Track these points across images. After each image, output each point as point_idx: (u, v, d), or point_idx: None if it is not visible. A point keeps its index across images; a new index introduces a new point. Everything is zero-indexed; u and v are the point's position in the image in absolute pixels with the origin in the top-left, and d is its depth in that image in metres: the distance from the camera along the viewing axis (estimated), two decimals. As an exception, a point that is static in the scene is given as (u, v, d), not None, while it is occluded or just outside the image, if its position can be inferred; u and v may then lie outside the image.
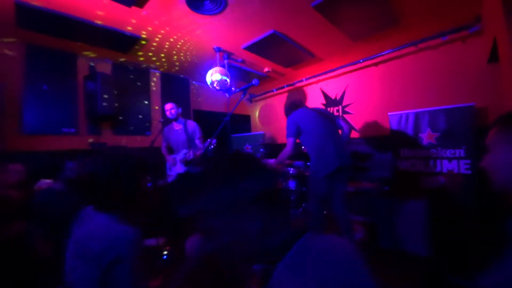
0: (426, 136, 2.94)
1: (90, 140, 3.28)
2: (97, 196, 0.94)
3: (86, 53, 3.25)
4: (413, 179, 2.93)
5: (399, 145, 3.09)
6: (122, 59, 3.53)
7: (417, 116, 3.01)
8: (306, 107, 2.68)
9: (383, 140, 3.47)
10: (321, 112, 2.58)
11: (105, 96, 3.14)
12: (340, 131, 2.57)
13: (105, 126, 3.53)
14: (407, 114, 3.09)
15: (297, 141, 2.52)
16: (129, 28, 2.69)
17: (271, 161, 2.70)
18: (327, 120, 2.49)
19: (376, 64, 3.72)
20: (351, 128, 2.54)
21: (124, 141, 3.67)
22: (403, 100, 3.45)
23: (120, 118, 3.62)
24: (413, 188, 2.88)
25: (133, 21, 2.56)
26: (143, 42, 3.00)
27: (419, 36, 3.06)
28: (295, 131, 2.45)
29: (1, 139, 2.58)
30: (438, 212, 2.52)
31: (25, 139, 2.85)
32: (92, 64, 3.39)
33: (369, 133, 3.75)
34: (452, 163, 2.74)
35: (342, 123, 2.55)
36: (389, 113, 3.23)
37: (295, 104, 2.71)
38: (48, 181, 2.15)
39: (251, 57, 3.58)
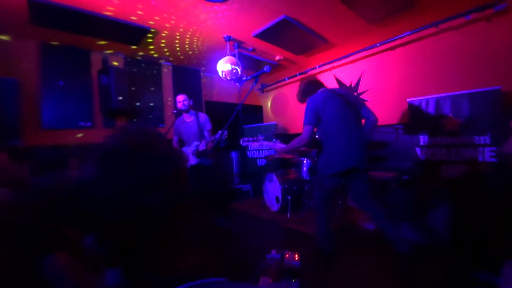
0: (448, 123, 2.78)
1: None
2: None
3: (99, 46, 3.27)
4: (434, 168, 2.80)
5: (419, 132, 2.95)
6: (133, 53, 3.54)
7: (438, 101, 2.86)
8: (327, 89, 2.27)
9: (402, 128, 3.33)
10: (344, 97, 2.15)
11: (118, 89, 3.17)
12: (363, 121, 2.22)
13: (120, 119, 3.59)
14: (427, 100, 2.93)
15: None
16: (135, 18, 2.67)
17: (280, 145, 2.43)
18: (349, 110, 2.12)
19: (393, 48, 3.53)
20: (376, 120, 2.15)
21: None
22: (423, 85, 3.27)
23: (134, 111, 3.66)
24: (434, 178, 2.76)
25: (142, 12, 2.53)
26: (152, 34, 2.98)
27: (440, 16, 2.86)
28: (314, 118, 2.11)
29: (22, 135, 2.68)
30: (461, 203, 2.40)
31: (44, 134, 2.95)
32: (105, 58, 3.43)
33: (386, 120, 3.60)
34: (476, 151, 2.59)
35: (368, 113, 2.16)
36: (408, 99, 3.08)
37: (313, 85, 2.32)
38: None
39: (262, 45, 3.49)
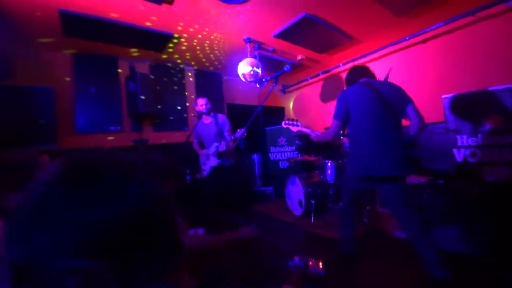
0: (491, 120, 2.51)
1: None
2: None
3: (126, 54, 3.43)
4: (474, 171, 2.54)
5: (456, 132, 2.70)
6: (158, 59, 3.67)
7: (477, 97, 2.60)
8: (365, 80, 2.00)
9: (437, 127, 3.07)
10: (381, 92, 1.86)
11: (144, 95, 3.30)
12: (407, 122, 1.89)
13: (146, 123, 3.73)
14: (465, 96, 2.69)
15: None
16: (150, 24, 2.75)
17: (314, 133, 2.29)
18: (383, 107, 1.83)
19: (425, 41, 3.28)
20: (422, 121, 1.83)
21: (164, 137, 3.85)
22: (459, 79, 2.99)
23: (159, 115, 3.79)
24: (474, 182, 2.50)
25: (165, 19, 2.61)
26: (176, 39, 3.06)
27: (478, 4, 2.60)
28: (343, 112, 1.93)
29: (57, 139, 2.88)
30: (505, 209, 2.14)
31: (78, 138, 3.14)
32: (131, 65, 3.60)
33: (418, 119, 3.35)
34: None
35: (412, 113, 1.84)
36: (442, 96, 2.84)
37: (355, 73, 2.10)
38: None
39: (282, 45, 3.43)
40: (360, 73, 2.07)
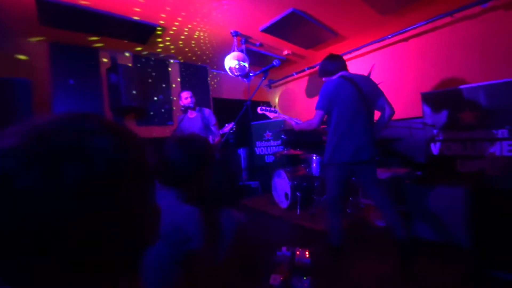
0: (465, 116, 2.67)
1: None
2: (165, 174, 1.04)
3: (107, 45, 3.29)
4: (450, 163, 2.70)
5: (433, 126, 2.85)
6: (142, 51, 3.55)
7: (453, 94, 2.75)
8: (346, 74, 2.10)
9: (415, 122, 3.23)
10: (360, 87, 2.02)
11: (127, 87, 3.19)
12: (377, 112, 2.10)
13: (129, 117, 3.62)
14: (442, 93, 2.83)
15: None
16: (138, 15, 2.66)
17: (296, 121, 2.32)
18: (362, 101, 2.00)
19: (406, 39, 3.41)
20: (392, 112, 2.06)
21: (147, 131, 3.75)
22: (437, 77, 3.15)
23: (142, 109, 3.68)
24: (449, 173, 2.67)
25: (148, 9, 2.52)
26: (159, 31, 2.97)
27: (456, 5, 2.75)
28: (327, 104, 2.02)
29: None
30: (479, 199, 2.31)
31: (56, 132, 2.99)
32: (113, 56, 3.45)
33: (399, 114, 3.48)
34: (494, 145, 2.49)
35: (384, 104, 2.05)
36: (421, 92, 2.98)
37: (333, 63, 2.15)
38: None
39: (269, 40, 3.43)
40: (337, 64, 2.15)
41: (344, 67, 2.16)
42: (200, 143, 1.14)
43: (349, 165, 2.03)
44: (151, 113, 3.85)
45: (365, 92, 2.03)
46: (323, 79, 2.22)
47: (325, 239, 2.22)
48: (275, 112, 2.44)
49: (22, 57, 2.88)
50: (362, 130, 1.99)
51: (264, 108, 2.45)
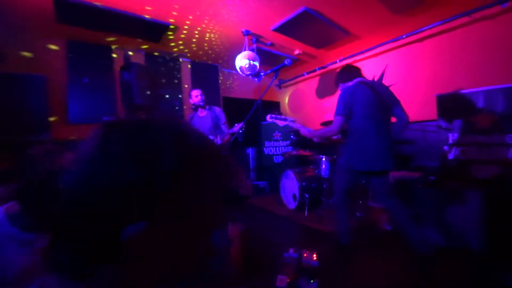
0: (481, 120, 2.58)
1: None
2: None
3: (121, 43, 3.36)
4: (464, 168, 2.62)
5: (448, 130, 2.77)
6: (154, 49, 3.60)
7: (469, 97, 2.67)
8: (363, 80, 2.11)
9: (429, 125, 3.14)
10: (379, 93, 2.01)
11: (139, 85, 3.24)
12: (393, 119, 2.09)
13: (141, 114, 3.67)
14: (458, 95, 2.74)
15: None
16: (150, 16, 2.69)
17: (307, 129, 2.27)
18: (381, 107, 1.99)
19: (421, 40, 3.32)
20: (408, 120, 2.06)
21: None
22: (453, 79, 3.05)
23: (154, 107, 3.73)
24: (464, 178, 2.58)
25: (162, 8, 2.55)
26: (172, 30, 3.00)
27: (474, 5, 2.66)
28: (348, 109, 1.97)
29: (50, 129, 2.81)
30: (494, 205, 2.22)
31: (70, 128, 3.08)
32: (126, 55, 3.52)
33: (412, 117, 3.40)
34: (509, 150, 2.39)
35: (401, 112, 2.05)
36: (436, 94, 2.90)
37: (349, 72, 2.18)
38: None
39: (281, 39, 3.41)
40: (352, 72, 2.16)
41: (361, 74, 2.16)
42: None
43: (363, 174, 2.04)
44: (163, 111, 3.89)
45: (384, 98, 2.02)
46: (340, 85, 2.23)
47: (333, 238, 2.20)
48: (285, 120, 2.41)
49: (27, 54, 2.91)
50: (380, 138, 1.96)
51: (274, 116, 2.43)
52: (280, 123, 2.41)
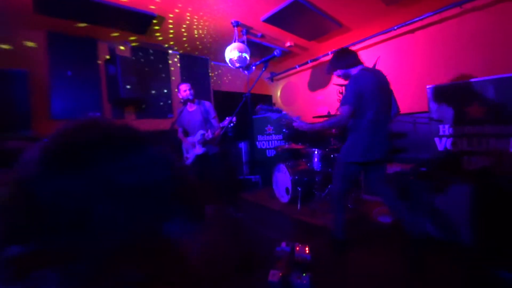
0: (472, 111, 2.59)
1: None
2: None
3: (106, 35, 3.22)
4: (455, 159, 2.63)
5: (439, 122, 2.77)
6: (141, 42, 3.47)
7: (460, 88, 2.66)
8: (367, 67, 2.01)
9: (420, 117, 3.15)
10: (382, 82, 1.93)
11: (125, 79, 3.13)
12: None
13: (128, 109, 3.57)
14: (449, 87, 2.74)
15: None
16: (131, 1, 2.58)
17: (305, 123, 2.09)
18: (384, 97, 1.93)
19: (413, 31, 3.30)
20: (399, 111, 2.08)
21: (147, 124, 3.70)
22: (444, 70, 3.06)
23: (141, 101, 3.63)
24: (455, 170, 2.60)
25: (147, -3, 2.44)
26: (158, 20, 2.88)
27: (465, -5, 2.64)
28: (357, 99, 1.84)
29: (32, 125, 2.69)
30: (485, 197, 2.25)
31: (53, 124, 2.95)
32: (111, 47, 3.38)
33: (404, 109, 3.40)
34: (502, 141, 2.41)
35: (394, 103, 2.03)
36: (427, 86, 2.89)
37: (353, 57, 2.00)
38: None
39: (271, 31, 3.34)
40: (357, 58, 2.01)
41: (361, 60, 2.05)
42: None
43: (364, 164, 1.99)
44: (152, 105, 3.79)
45: (384, 88, 1.96)
46: (338, 71, 2.05)
47: (327, 232, 2.19)
48: (279, 112, 2.16)
49: (30, 44, 2.84)
50: (382, 127, 1.93)
51: (265, 107, 2.16)
52: (273, 115, 2.21)
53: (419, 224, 1.94)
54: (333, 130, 2.55)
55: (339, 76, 2.09)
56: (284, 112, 2.19)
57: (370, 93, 1.87)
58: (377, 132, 1.91)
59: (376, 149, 1.91)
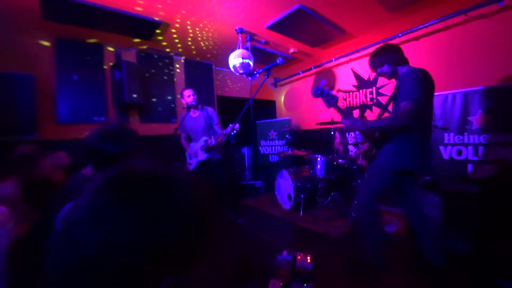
0: (477, 119, 2.56)
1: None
2: None
3: (112, 41, 3.27)
4: (460, 168, 2.60)
5: (444, 130, 2.75)
6: (145, 47, 3.52)
7: (466, 96, 2.64)
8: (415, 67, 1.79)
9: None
10: (433, 86, 1.74)
11: (131, 84, 3.17)
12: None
13: (133, 114, 3.60)
14: (454, 94, 2.72)
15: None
16: (140, 9, 2.62)
17: (357, 121, 1.83)
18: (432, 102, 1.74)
19: (417, 38, 3.29)
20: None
21: (151, 129, 3.73)
22: (449, 78, 3.03)
23: (146, 106, 3.66)
24: (459, 178, 2.56)
25: (152, 5, 2.48)
26: (163, 27, 2.92)
27: (470, 3, 2.63)
28: (424, 95, 1.60)
29: (37, 129, 2.72)
30: (489, 206, 2.21)
31: (59, 129, 3.00)
32: (117, 53, 3.43)
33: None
34: (507, 150, 2.38)
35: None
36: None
37: (403, 54, 1.80)
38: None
39: (275, 37, 3.36)
40: (406, 57, 1.82)
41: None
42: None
43: (407, 174, 1.77)
44: (158, 109, 3.83)
45: (433, 93, 1.78)
46: (386, 68, 1.81)
47: (329, 241, 2.15)
48: (333, 99, 1.87)
49: (45, 43, 2.91)
50: (429, 135, 1.77)
51: (320, 88, 1.87)
52: (327, 103, 1.91)
53: (439, 250, 1.82)
54: (376, 134, 2.14)
55: (383, 73, 1.85)
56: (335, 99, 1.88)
57: (431, 94, 1.69)
58: (427, 139, 1.73)
59: (425, 158, 1.71)
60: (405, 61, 1.79)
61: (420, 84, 1.59)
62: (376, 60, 1.85)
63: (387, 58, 1.79)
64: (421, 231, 1.85)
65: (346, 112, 1.90)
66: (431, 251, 1.79)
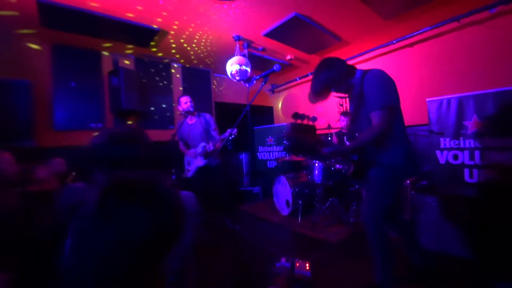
0: (472, 124, 2.59)
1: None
2: None
3: (109, 48, 3.29)
4: (456, 173, 2.61)
5: (439, 135, 2.77)
6: (144, 54, 3.55)
7: (460, 101, 2.67)
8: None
9: (420, 129, 3.14)
10: None
11: (128, 91, 3.17)
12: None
13: (130, 120, 3.60)
14: (449, 100, 2.74)
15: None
16: (132, 15, 2.65)
17: (334, 148, 1.77)
18: None
19: (411, 45, 3.35)
20: None
21: (148, 135, 3.72)
22: (443, 84, 3.08)
23: (143, 112, 3.66)
24: (455, 183, 2.57)
25: (150, 12, 2.51)
26: (161, 34, 2.96)
27: (462, 10, 2.69)
28: (394, 100, 1.56)
29: (34, 136, 2.71)
30: (486, 210, 2.21)
31: (56, 135, 2.98)
32: (115, 59, 3.45)
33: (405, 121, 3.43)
34: (502, 154, 2.39)
35: None
36: (427, 99, 2.90)
37: (345, 62, 1.72)
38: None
39: (272, 45, 3.40)
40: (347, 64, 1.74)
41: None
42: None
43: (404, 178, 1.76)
44: (155, 116, 3.83)
45: None
46: (343, 87, 1.75)
47: (327, 247, 2.14)
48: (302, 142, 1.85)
49: (35, 46, 2.90)
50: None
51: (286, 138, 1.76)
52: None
53: (423, 255, 1.83)
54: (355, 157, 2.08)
55: (339, 92, 1.80)
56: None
57: (397, 92, 1.62)
58: (408, 138, 1.67)
59: (416, 159, 1.66)
60: (353, 69, 1.70)
61: (390, 88, 1.56)
62: (330, 84, 1.74)
63: (340, 76, 1.69)
64: (405, 236, 1.86)
65: (323, 142, 1.85)
66: (412, 253, 1.83)
